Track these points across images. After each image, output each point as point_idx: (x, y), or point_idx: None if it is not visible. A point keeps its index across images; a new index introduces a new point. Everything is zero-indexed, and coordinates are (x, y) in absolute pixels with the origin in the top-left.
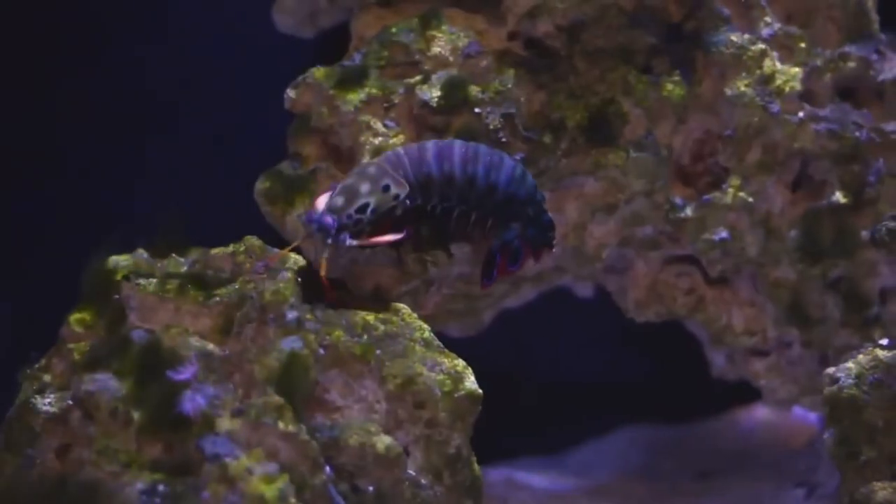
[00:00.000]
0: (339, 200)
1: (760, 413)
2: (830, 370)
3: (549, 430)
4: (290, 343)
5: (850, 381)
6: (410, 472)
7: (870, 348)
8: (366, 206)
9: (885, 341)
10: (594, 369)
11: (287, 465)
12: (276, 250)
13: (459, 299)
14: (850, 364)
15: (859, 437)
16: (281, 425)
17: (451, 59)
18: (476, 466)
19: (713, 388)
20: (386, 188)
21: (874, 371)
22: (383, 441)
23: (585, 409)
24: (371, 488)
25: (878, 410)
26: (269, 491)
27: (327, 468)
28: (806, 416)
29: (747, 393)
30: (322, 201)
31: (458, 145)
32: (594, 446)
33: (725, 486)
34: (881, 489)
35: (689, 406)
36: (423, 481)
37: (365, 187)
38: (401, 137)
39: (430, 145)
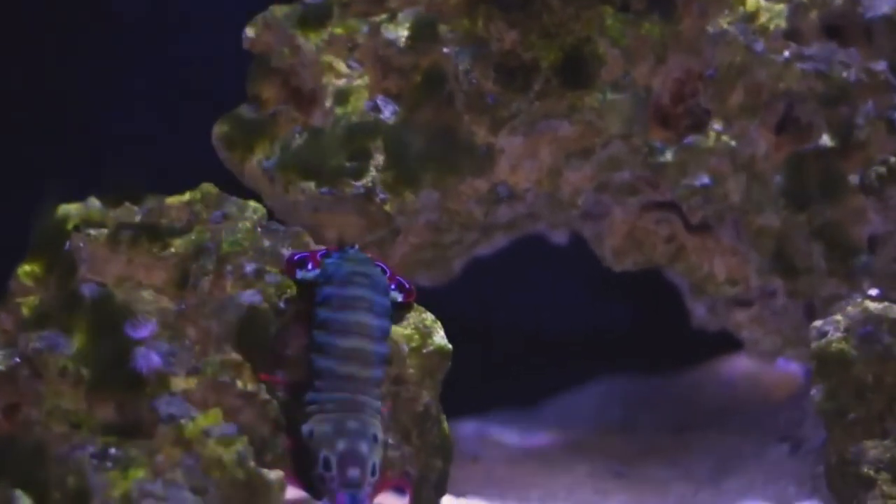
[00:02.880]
0: (356, 474)
1: (741, 365)
2: (817, 323)
3: (523, 383)
4: (249, 297)
5: (839, 334)
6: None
7: (858, 299)
8: (374, 466)
9: (874, 291)
10: (569, 319)
11: (246, 427)
12: (234, 198)
13: (428, 248)
14: (838, 317)
15: (848, 393)
16: (240, 384)
17: None
18: (446, 426)
19: (693, 340)
20: (375, 437)
21: (863, 324)
22: None
23: (560, 361)
24: None
25: (867, 366)
26: (228, 454)
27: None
28: (789, 367)
29: (728, 344)
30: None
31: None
32: (569, 399)
33: (706, 441)
34: (872, 448)
35: (667, 358)
36: (390, 441)
37: (364, 448)
38: (365, 79)
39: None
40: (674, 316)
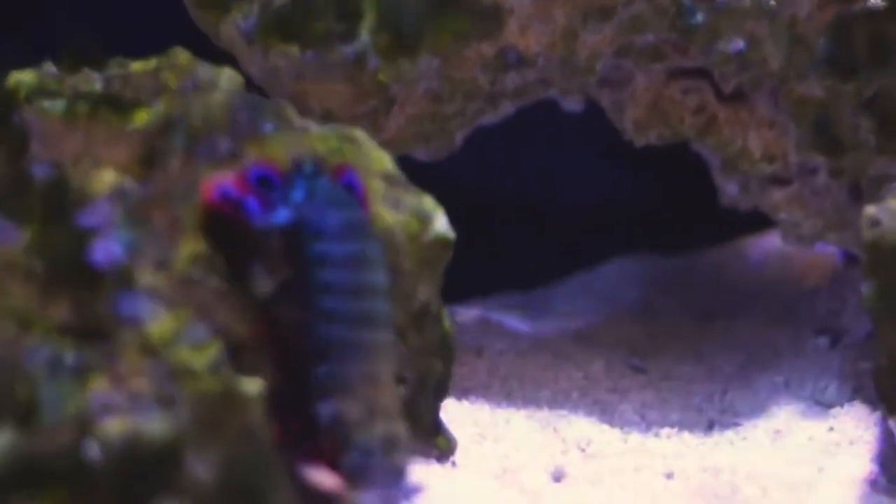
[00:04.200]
0: (400, 459)
1: (772, 245)
2: (871, 209)
3: (531, 264)
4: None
5: (894, 223)
6: None
7: None
8: None
9: None
10: (582, 195)
11: (221, 329)
12: (207, 65)
13: (427, 120)
14: (893, 203)
15: None
16: (214, 282)
17: None
18: (447, 323)
19: (720, 218)
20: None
21: None
22: None
23: (572, 240)
24: None
25: None
26: (200, 360)
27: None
28: (825, 249)
29: (759, 223)
30: None
31: None
32: (581, 282)
33: (733, 331)
34: None
35: (690, 236)
36: None
37: (404, 429)
38: None
39: None
40: (698, 191)
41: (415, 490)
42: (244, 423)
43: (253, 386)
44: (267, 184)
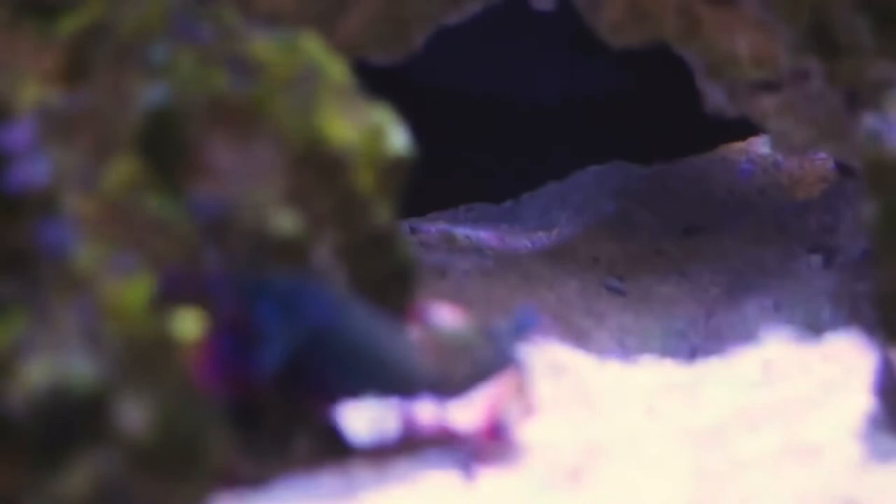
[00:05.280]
0: None
1: (761, 153)
2: (870, 120)
3: (498, 174)
4: (158, 92)
5: None
6: (320, 260)
7: None
8: None
9: None
10: (554, 98)
11: (156, 261)
12: None
13: (384, 21)
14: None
15: None
16: (146, 206)
17: None
18: (407, 249)
19: (704, 125)
20: None
21: None
22: (284, 220)
23: (543, 147)
24: None
25: None
26: (132, 296)
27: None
28: (817, 158)
29: (746, 130)
30: None
31: None
32: (554, 193)
33: (719, 248)
34: None
35: (671, 144)
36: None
37: None
38: None
39: None
40: (680, 95)
41: None
42: (180, 368)
43: (190, 325)
44: None
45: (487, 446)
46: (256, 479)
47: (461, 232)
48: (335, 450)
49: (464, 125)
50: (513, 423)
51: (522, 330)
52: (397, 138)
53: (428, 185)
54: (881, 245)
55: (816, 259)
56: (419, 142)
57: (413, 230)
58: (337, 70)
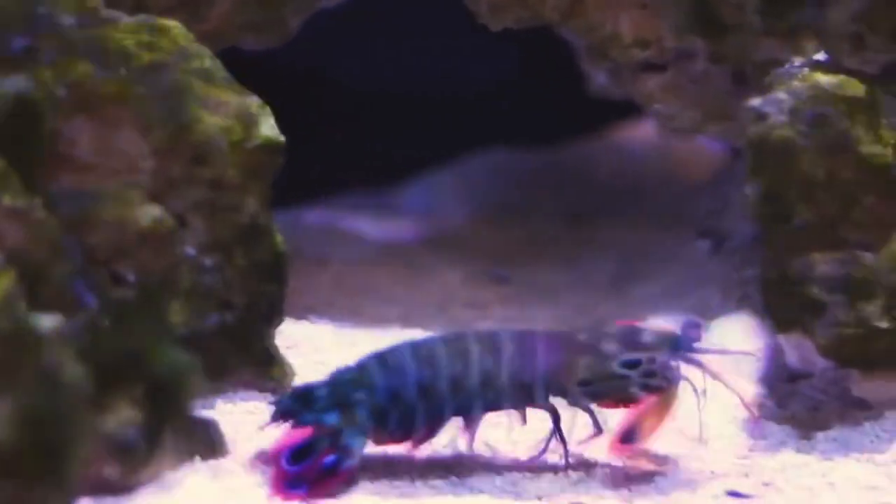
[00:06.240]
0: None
1: (648, 136)
2: (755, 102)
3: (380, 161)
4: (17, 83)
5: (782, 118)
6: (189, 250)
7: (805, 70)
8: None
9: (821, 56)
10: (436, 83)
11: (16, 254)
12: None
13: (255, 6)
14: (781, 94)
15: (793, 193)
16: (6, 199)
17: None
18: (279, 238)
19: (588, 108)
20: None
21: (814, 103)
22: (149, 212)
23: (425, 133)
24: (133, 277)
25: (818, 157)
26: None
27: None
28: (707, 141)
29: (631, 112)
30: None
31: None
32: (437, 180)
33: (607, 234)
34: (822, 261)
35: (556, 129)
36: (206, 262)
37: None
38: None
39: None
40: (564, 78)
41: None
42: (40, 366)
43: (49, 322)
44: None
45: (618, 450)
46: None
47: (342, 220)
48: None
49: (344, 112)
50: (645, 435)
51: (686, 343)
52: (266, 125)
53: (308, 172)
54: (766, 229)
55: (705, 244)
56: (299, 129)
57: (292, 219)
58: (203, 56)
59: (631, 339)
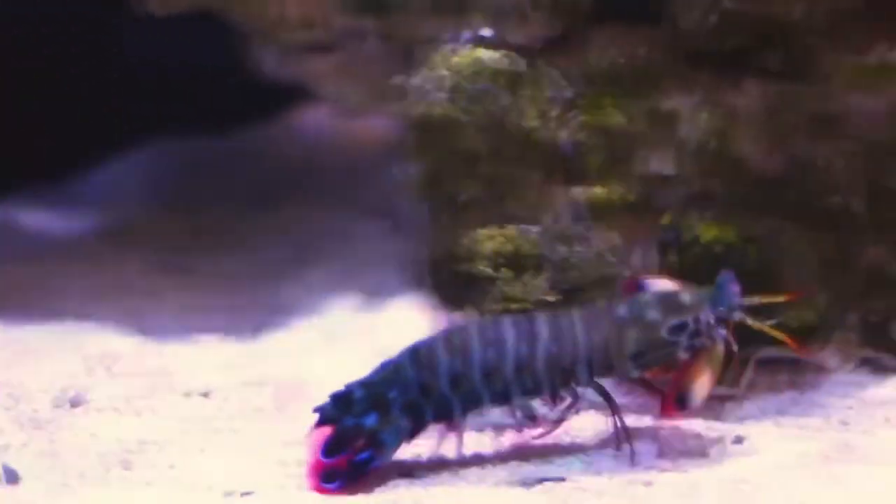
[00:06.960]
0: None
1: (323, 118)
2: (416, 80)
3: (49, 150)
4: None
5: (443, 94)
6: None
7: (466, 45)
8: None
9: (487, 31)
10: (101, 72)
11: None
12: None
13: None
14: (442, 71)
15: (456, 169)
16: None
17: None
18: None
19: (264, 94)
20: None
21: (474, 79)
22: None
23: (98, 123)
24: None
25: (481, 134)
26: None
27: None
28: (383, 122)
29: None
30: None
31: None
32: (109, 171)
33: (283, 218)
34: (489, 238)
35: (233, 116)
36: None
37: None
38: None
39: None
40: (235, 63)
41: None
42: None
43: None
44: None
45: (671, 416)
46: None
47: (13, 215)
48: None
49: (11, 100)
50: (700, 396)
51: (726, 298)
52: None
53: None
54: (431, 209)
55: (384, 224)
56: None
57: None
58: None
59: (672, 302)
